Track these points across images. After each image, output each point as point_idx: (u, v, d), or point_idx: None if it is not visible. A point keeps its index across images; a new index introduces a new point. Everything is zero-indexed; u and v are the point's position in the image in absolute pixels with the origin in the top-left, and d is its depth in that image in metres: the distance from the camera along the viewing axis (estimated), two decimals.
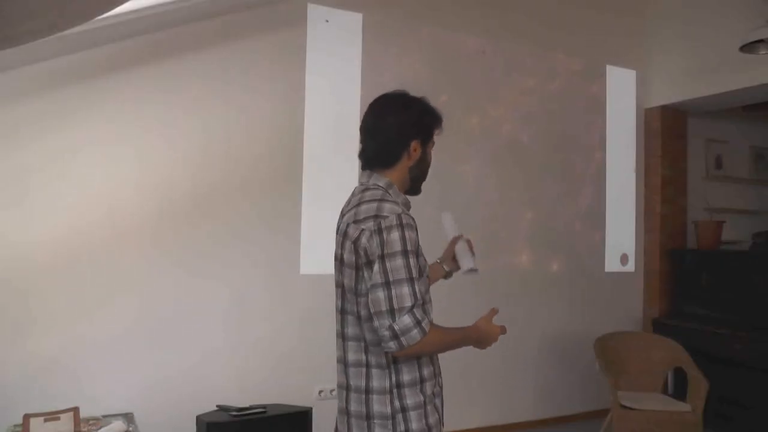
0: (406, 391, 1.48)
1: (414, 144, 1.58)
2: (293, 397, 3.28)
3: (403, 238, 1.43)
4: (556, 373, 4.31)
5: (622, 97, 4.73)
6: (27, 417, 2.55)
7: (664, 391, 3.98)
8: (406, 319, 1.39)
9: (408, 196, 1.65)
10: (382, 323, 1.40)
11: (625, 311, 4.66)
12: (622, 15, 4.71)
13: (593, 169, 4.59)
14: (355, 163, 3.58)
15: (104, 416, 2.84)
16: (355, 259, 1.47)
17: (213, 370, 3.24)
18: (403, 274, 1.41)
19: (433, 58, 3.93)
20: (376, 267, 1.43)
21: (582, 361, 4.27)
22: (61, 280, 2.93)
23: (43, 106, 2.92)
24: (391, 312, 1.39)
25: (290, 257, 3.46)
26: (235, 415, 2.97)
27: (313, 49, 3.56)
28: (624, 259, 4.71)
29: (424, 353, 1.49)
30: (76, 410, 2.65)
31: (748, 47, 3.58)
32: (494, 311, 1.64)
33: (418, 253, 1.49)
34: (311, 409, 3.14)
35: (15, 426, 2.62)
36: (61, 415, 2.60)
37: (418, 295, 1.42)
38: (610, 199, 4.65)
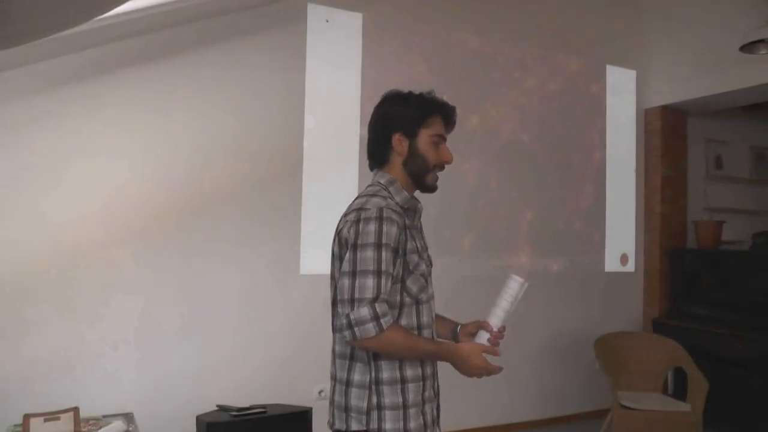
0: (385, 389, 1.47)
1: (396, 137, 1.56)
2: (293, 397, 3.28)
3: (378, 231, 1.42)
4: (556, 373, 4.31)
5: (622, 97, 4.72)
6: (27, 417, 2.55)
7: (664, 391, 3.98)
8: (364, 311, 1.38)
9: (416, 196, 1.62)
10: (343, 311, 1.41)
11: (625, 311, 4.66)
12: (622, 15, 4.71)
13: (593, 169, 4.59)
14: (355, 163, 3.61)
15: (104, 416, 2.84)
16: (338, 250, 1.50)
17: (213, 370, 3.24)
18: (370, 266, 1.41)
19: (433, 58, 3.92)
20: (347, 256, 1.44)
21: (582, 361, 4.27)
22: (60, 280, 2.93)
23: (41, 106, 2.92)
24: (351, 301, 1.40)
25: (290, 257, 3.46)
26: (235, 415, 2.97)
27: (313, 49, 3.56)
28: (624, 259, 4.71)
29: (382, 352, 1.45)
30: (76, 410, 2.65)
31: (748, 47, 3.58)
32: (494, 351, 1.54)
33: (399, 250, 1.46)
34: (311, 409, 3.14)
35: (15, 426, 2.62)
36: (61, 415, 2.60)
37: (383, 289, 1.40)
38: (610, 199, 4.65)
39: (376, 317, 1.38)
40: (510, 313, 1.59)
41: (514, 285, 1.59)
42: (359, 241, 1.43)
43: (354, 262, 1.42)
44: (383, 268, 1.41)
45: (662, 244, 4.68)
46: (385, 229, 1.43)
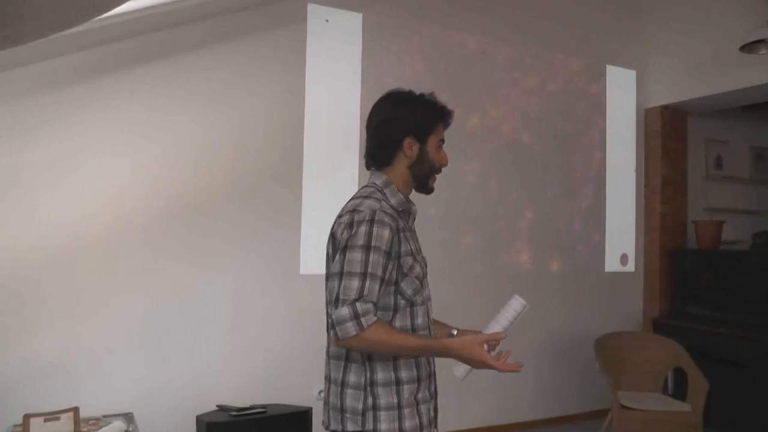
0: (380, 390, 1.47)
1: (408, 141, 1.55)
2: (293, 397, 3.28)
3: (368, 234, 1.42)
4: (556, 373, 4.31)
5: (622, 97, 4.72)
6: (27, 417, 2.55)
7: (664, 391, 3.98)
8: (344, 311, 1.38)
9: (411, 198, 1.62)
10: (330, 311, 1.42)
11: (625, 311, 4.65)
12: (622, 15, 4.71)
13: (593, 169, 4.59)
14: (356, 163, 3.61)
15: (104, 416, 2.84)
16: (332, 252, 1.50)
17: (213, 370, 3.24)
18: (357, 268, 1.41)
19: (433, 58, 3.92)
20: (337, 257, 1.45)
21: (582, 361, 4.27)
22: (60, 280, 2.93)
23: (41, 106, 2.92)
24: (336, 301, 1.40)
25: (290, 257, 3.46)
26: (235, 415, 2.97)
27: (313, 49, 3.56)
28: (624, 259, 4.71)
29: (368, 350, 1.45)
30: (76, 410, 2.65)
31: (748, 47, 3.58)
32: (496, 342, 1.48)
33: (393, 253, 1.45)
34: (311, 409, 3.14)
35: (15, 426, 2.63)
36: (61, 415, 2.60)
37: (367, 290, 1.40)
38: (610, 199, 4.65)
39: (355, 316, 1.37)
40: (507, 331, 1.54)
41: (516, 305, 1.56)
42: (349, 243, 1.43)
43: (342, 263, 1.42)
44: (370, 270, 1.41)
45: (662, 244, 4.68)
46: (376, 231, 1.43)
